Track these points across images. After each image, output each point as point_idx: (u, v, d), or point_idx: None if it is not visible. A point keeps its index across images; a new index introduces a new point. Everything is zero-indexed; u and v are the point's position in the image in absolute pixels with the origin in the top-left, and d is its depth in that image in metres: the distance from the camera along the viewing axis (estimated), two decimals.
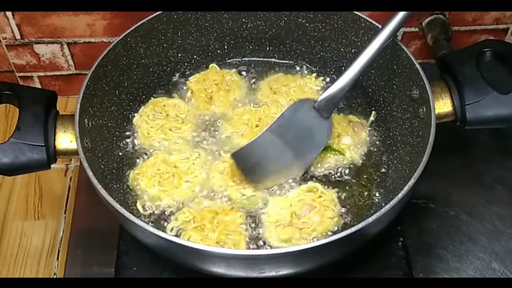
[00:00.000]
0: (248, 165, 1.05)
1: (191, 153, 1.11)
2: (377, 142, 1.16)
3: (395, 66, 1.10)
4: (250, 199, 1.07)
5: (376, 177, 1.11)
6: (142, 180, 1.08)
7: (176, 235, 1.03)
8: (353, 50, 1.18)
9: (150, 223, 1.04)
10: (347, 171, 1.12)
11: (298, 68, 1.27)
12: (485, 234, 1.17)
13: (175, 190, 1.07)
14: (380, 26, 1.09)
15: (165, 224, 1.05)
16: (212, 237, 1.00)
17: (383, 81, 1.15)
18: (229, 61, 1.28)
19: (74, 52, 1.37)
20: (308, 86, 1.21)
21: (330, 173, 1.12)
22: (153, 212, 1.07)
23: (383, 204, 0.94)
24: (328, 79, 1.24)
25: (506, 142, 1.29)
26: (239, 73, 1.26)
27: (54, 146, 1.00)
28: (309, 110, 1.05)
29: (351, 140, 1.13)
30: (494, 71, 1.04)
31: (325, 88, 1.22)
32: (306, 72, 1.26)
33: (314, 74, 1.23)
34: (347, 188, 1.10)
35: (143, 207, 1.07)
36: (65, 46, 1.36)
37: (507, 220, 1.18)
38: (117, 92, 1.13)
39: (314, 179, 1.11)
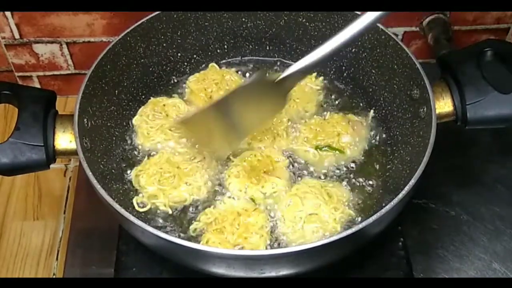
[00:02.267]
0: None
1: (195, 155, 1.11)
2: (378, 142, 1.15)
3: (395, 66, 1.10)
4: (272, 197, 1.07)
5: (376, 177, 1.11)
6: (142, 177, 1.08)
7: (197, 236, 1.03)
8: (353, 50, 1.18)
9: (147, 222, 1.03)
10: (347, 170, 1.12)
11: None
12: (486, 234, 1.17)
13: (173, 191, 1.07)
14: (380, 26, 1.10)
15: (161, 221, 1.06)
16: (230, 240, 1.00)
17: (384, 81, 1.15)
18: (229, 60, 1.28)
19: (73, 51, 1.37)
20: (308, 86, 1.21)
21: (330, 171, 1.11)
22: (149, 210, 1.06)
23: (384, 204, 0.94)
24: (328, 79, 1.24)
25: (506, 142, 1.29)
26: (239, 72, 1.25)
27: (53, 146, 0.99)
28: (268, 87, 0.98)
29: (351, 139, 1.13)
30: (495, 71, 1.04)
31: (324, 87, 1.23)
32: None
33: (314, 74, 1.23)
34: (347, 187, 1.09)
35: (138, 203, 1.07)
36: (64, 45, 1.36)
37: (507, 220, 1.18)
38: (116, 92, 1.13)
39: (313, 177, 1.10)
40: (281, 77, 0.97)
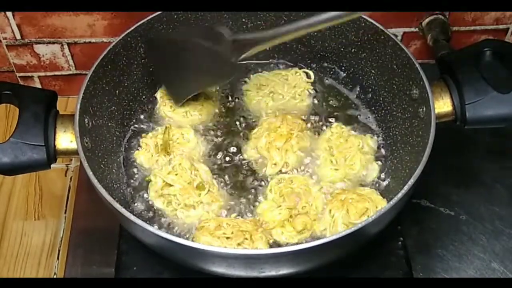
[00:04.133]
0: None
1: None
2: (377, 142, 1.15)
3: (395, 66, 1.11)
4: None
5: (375, 177, 1.11)
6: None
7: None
8: (353, 50, 1.18)
9: (147, 221, 1.04)
10: None
11: (298, 68, 1.26)
12: (485, 234, 1.17)
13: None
14: (380, 27, 1.10)
15: (161, 220, 1.06)
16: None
17: (383, 81, 1.15)
18: None
19: (74, 52, 1.37)
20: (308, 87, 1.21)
21: None
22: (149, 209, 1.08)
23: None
24: (327, 79, 1.25)
25: (505, 142, 1.29)
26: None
27: (54, 146, 1.00)
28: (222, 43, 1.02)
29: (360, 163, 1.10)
30: (494, 71, 1.04)
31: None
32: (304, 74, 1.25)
33: (314, 76, 1.23)
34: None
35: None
36: (66, 46, 1.36)
37: (506, 220, 1.18)
38: (117, 92, 1.13)
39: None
40: (239, 37, 1.01)
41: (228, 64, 1.03)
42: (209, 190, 1.05)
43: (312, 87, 1.21)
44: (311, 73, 1.22)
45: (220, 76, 1.08)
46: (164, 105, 1.17)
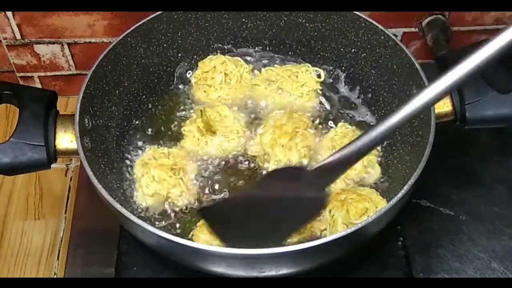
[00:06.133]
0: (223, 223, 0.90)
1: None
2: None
3: (394, 66, 1.11)
4: None
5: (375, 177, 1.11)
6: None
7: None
8: (353, 50, 1.18)
9: (147, 221, 1.03)
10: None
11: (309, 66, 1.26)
12: (485, 234, 1.17)
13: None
14: (380, 27, 1.10)
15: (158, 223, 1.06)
16: None
17: (383, 81, 1.15)
18: None
19: (74, 52, 1.38)
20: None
21: None
22: (149, 209, 1.07)
23: None
24: (327, 80, 1.24)
25: (506, 141, 1.29)
26: None
27: (54, 146, 1.00)
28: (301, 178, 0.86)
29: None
30: (494, 70, 1.04)
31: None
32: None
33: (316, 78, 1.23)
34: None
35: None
36: (66, 46, 1.36)
37: (507, 220, 1.18)
38: (117, 92, 1.13)
39: None
40: (317, 165, 0.83)
41: (315, 197, 0.84)
42: (181, 179, 1.07)
43: (321, 87, 1.21)
44: (322, 72, 1.22)
45: (309, 215, 0.88)
46: (198, 89, 1.19)
